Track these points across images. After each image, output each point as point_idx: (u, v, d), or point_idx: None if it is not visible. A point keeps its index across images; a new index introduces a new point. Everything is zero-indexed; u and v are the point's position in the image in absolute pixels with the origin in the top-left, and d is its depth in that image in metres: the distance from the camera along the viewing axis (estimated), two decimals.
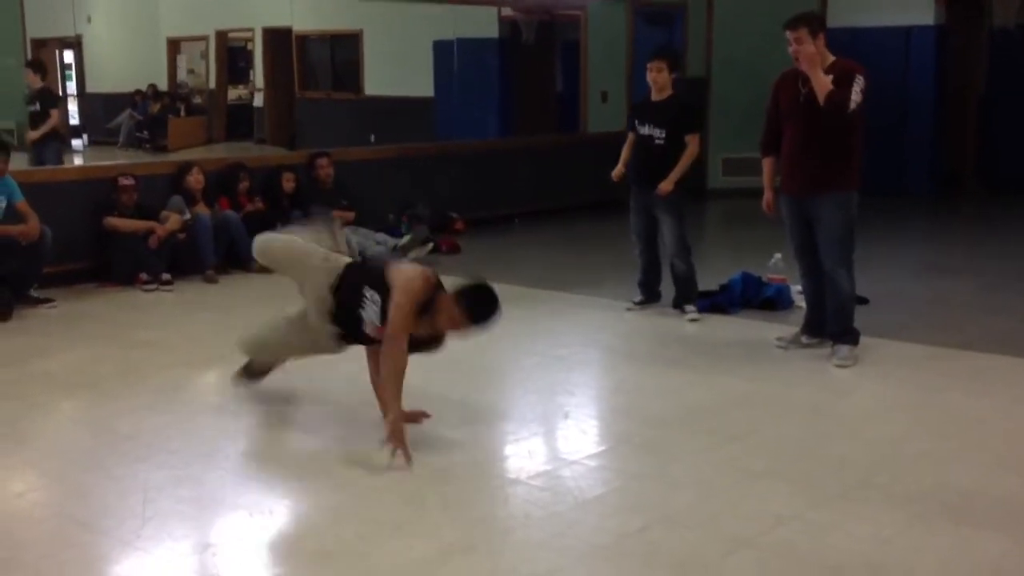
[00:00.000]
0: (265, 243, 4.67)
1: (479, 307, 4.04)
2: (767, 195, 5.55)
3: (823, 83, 5.02)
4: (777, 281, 6.55)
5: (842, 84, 5.00)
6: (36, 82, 10.08)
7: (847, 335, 5.31)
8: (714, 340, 5.84)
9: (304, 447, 4.21)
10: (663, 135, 6.17)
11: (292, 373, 5.03)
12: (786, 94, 5.35)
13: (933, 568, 3.12)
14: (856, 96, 5.00)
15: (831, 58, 5.17)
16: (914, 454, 4.08)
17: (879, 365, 5.27)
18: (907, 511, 3.50)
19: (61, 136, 10.75)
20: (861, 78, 5.03)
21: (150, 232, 7.22)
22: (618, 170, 6.38)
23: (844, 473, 3.87)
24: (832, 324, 5.36)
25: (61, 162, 10.24)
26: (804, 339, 5.57)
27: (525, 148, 11.14)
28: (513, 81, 13.35)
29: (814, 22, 5.16)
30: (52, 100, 10.22)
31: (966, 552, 3.21)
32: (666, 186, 6.12)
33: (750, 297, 6.44)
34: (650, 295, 6.51)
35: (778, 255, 6.58)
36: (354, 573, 3.12)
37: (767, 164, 5.58)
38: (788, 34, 5.12)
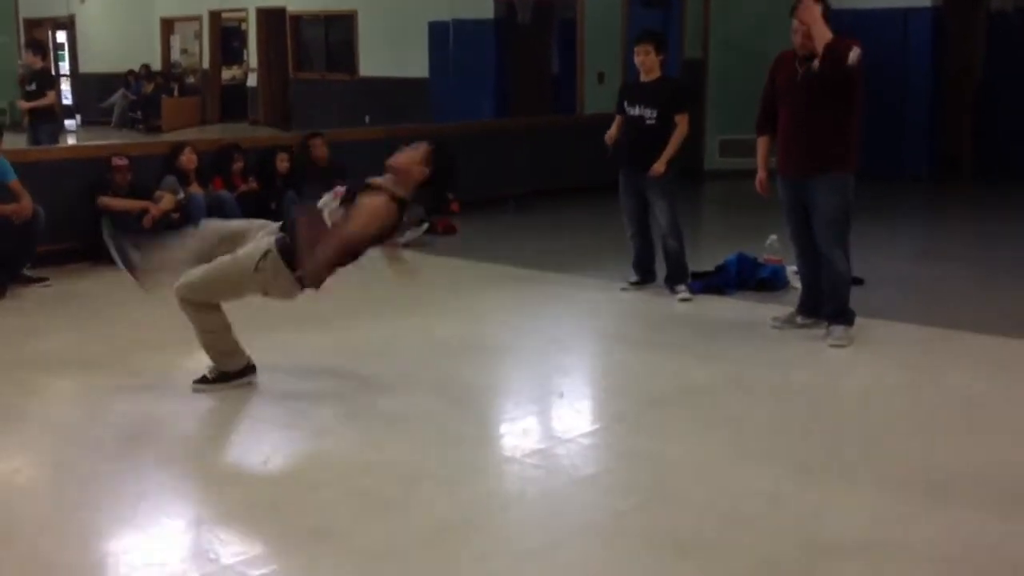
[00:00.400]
0: (186, 287, 4.42)
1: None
2: (760, 174, 5.54)
3: (823, 33, 5.02)
4: (773, 262, 6.55)
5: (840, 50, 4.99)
6: (36, 63, 10.04)
7: (842, 316, 5.31)
8: (708, 321, 5.84)
9: (299, 424, 4.20)
10: (654, 115, 6.15)
11: (291, 349, 5.04)
12: (783, 74, 5.35)
13: (925, 547, 3.13)
14: (853, 57, 4.96)
15: (830, 35, 5.14)
16: (908, 433, 4.09)
17: (874, 345, 5.27)
18: (900, 491, 3.50)
19: (57, 116, 10.71)
20: (857, 48, 5.01)
21: (144, 211, 7.19)
22: (610, 133, 6.34)
23: (838, 453, 3.87)
24: (828, 305, 5.36)
25: (57, 143, 10.20)
26: (799, 319, 5.57)
27: (521, 129, 11.11)
28: (509, 62, 13.31)
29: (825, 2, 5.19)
30: (49, 81, 10.19)
31: (958, 532, 3.22)
32: (659, 167, 6.10)
33: (745, 278, 6.43)
34: (645, 276, 6.51)
35: (774, 236, 6.58)
36: (349, 549, 3.12)
37: (761, 144, 5.58)
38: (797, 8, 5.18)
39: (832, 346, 5.22)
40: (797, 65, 5.23)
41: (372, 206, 4.33)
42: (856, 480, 3.61)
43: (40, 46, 10.62)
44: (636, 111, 6.22)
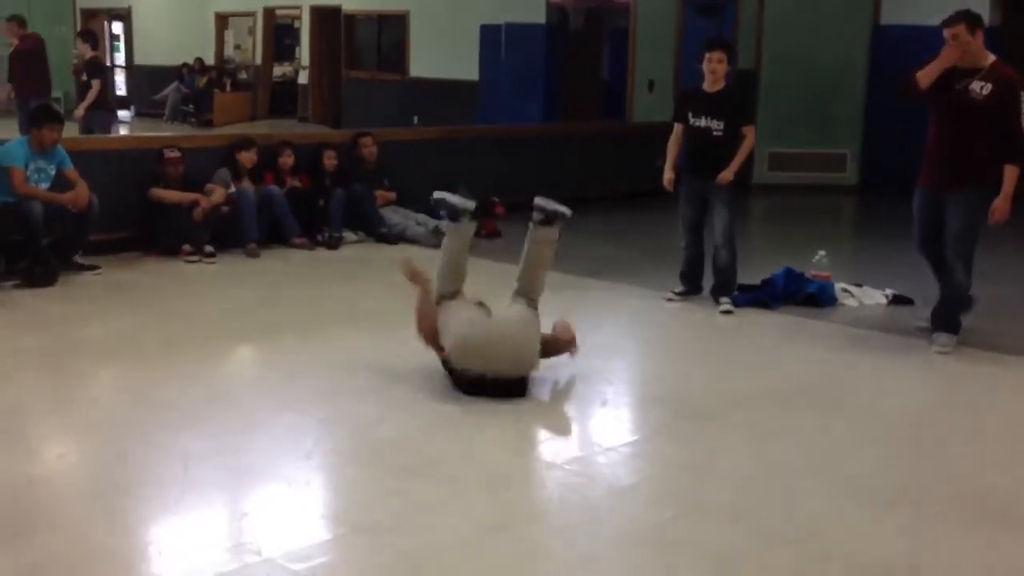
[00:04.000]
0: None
1: None
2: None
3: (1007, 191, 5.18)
4: (821, 278, 6.47)
5: (1005, 100, 5.12)
6: (86, 52, 10.16)
7: (951, 324, 5.44)
8: (755, 334, 5.79)
9: (343, 423, 4.22)
10: (721, 127, 6.12)
11: (345, 347, 5.07)
12: (941, 88, 5.31)
13: (972, 573, 3.07)
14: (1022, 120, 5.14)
15: (991, 57, 5.26)
16: (959, 457, 4.02)
17: (934, 367, 5.20)
18: (949, 514, 3.45)
19: (108, 104, 10.81)
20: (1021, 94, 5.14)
21: (195, 204, 7.27)
22: (668, 176, 6.27)
23: (886, 474, 3.82)
24: (938, 312, 5.50)
25: (109, 131, 10.32)
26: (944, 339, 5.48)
27: (570, 135, 11.09)
28: (559, 67, 13.29)
29: (972, 18, 5.26)
30: (99, 69, 10.29)
31: (1006, 558, 3.16)
32: (727, 175, 6.08)
33: (792, 293, 6.37)
34: (692, 287, 6.46)
35: (822, 252, 6.50)
36: (390, 549, 3.13)
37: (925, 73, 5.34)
38: (945, 32, 5.25)
39: (938, 352, 5.34)
40: (955, 82, 5.26)
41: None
42: (903, 502, 3.56)
43: (91, 35, 10.72)
44: (703, 123, 6.16)
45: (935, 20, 5.44)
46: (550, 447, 4.16)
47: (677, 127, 6.34)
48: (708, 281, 6.39)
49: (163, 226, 7.32)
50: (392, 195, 8.60)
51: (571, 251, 8.16)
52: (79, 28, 18.32)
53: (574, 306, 6.30)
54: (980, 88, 5.21)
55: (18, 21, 10.81)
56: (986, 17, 11.19)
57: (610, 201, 10.29)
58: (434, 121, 12.78)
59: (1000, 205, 5.22)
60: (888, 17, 11.35)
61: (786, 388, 4.82)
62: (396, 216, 8.42)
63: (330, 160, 8.32)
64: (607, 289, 6.80)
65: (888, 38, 9.74)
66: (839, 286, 6.37)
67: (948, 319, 5.46)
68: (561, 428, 4.36)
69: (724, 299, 6.20)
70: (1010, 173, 5.20)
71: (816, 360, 5.30)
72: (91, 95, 9.91)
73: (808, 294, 6.34)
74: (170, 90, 19.39)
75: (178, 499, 3.43)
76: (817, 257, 6.55)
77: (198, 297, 6.35)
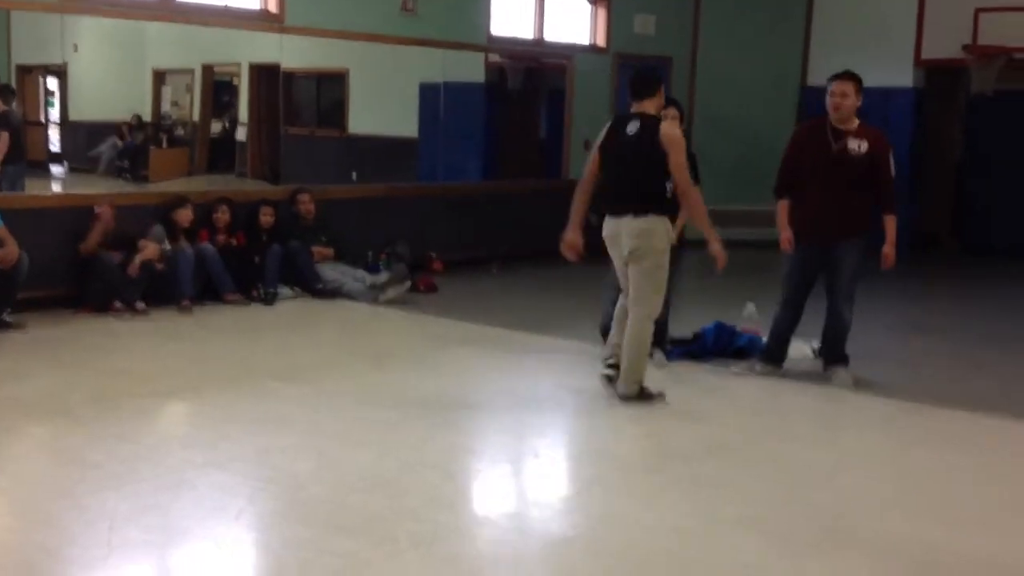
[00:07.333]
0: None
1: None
2: (785, 234, 5.88)
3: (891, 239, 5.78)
4: (750, 331, 6.60)
5: (879, 156, 5.67)
6: None
7: (844, 359, 5.93)
8: (687, 387, 5.86)
9: (275, 482, 4.18)
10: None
11: (278, 403, 5.03)
12: (814, 146, 5.72)
13: None
14: (892, 173, 5.74)
15: (857, 121, 5.73)
16: (882, 506, 4.10)
17: (852, 417, 5.31)
18: (874, 563, 3.51)
19: (19, 160, 10.43)
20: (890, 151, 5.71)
21: (127, 261, 7.19)
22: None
23: (813, 523, 3.88)
24: (830, 350, 5.95)
25: (15, 188, 10.04)
26: (759, 367, 6.02)
27: (506, 192, 11.22)
28: (498, 126, 13.45)
29: (859, 80, 5.71)
30: (5, 122, 10.04)
31: None
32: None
33: (723, 347, 6.48)
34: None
35: (751, 304, 6.64)
36: None
37: (783, 208, 5.92)
38: (834, 85, 5.66)
39: (838, 386, 5.78)
40: (831, 137, 5.62)
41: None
42: (829, 551, 3.61)
43: (5, 89, 10.49)
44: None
45: (867, 83, 5.80)
46: (483, 502, 4.16)
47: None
48: None
49: (94, 281, 7.23)
50: (329, 251, 8.61)
51: (507, 306, 8.25)
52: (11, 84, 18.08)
53: (507, 359, 6.33)
54: (858, 146, 5.67)
55: None
56: (910, 79, 11.76)
57: (547, 257, 10.37)
58: (374, 178, 12.83)
59: (888, 252, 5.74)
60: (815, 78, 11.74)
61: (720, 440, 4.88)
62: (333, 272, 8.42)
63: (267, 216, 8.32)
64: (543, 344, 6.85)
65: (815, 100, 10.00)
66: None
67: (841, 353, 5.92)
68: (494, 482, 4.35)
69: (657, 353, 6.27)
70: (891, 223, 5.76)
71: (749, 413, 5.38)
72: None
73: (738, 347, 6.45)
74: (106, 146, 19.20)
75: (105, 561, 3.36)
76: (747, 312, 6.68)
77: (129, 354, 6.26)
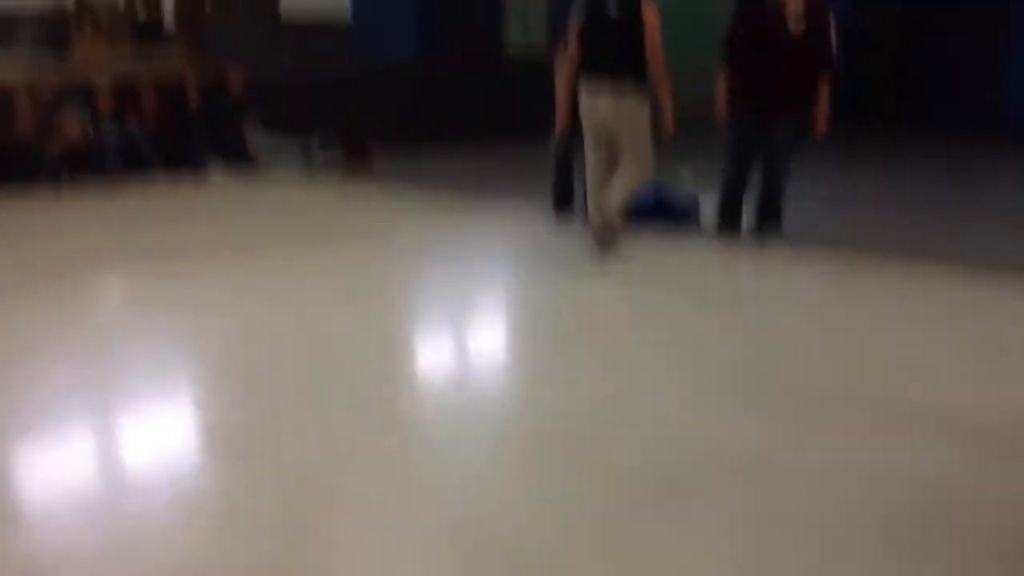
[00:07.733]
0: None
1: None
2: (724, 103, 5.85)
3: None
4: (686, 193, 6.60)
5: (819, 23, 5.61)
6: None
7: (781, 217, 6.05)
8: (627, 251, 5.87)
9: (210, 348, 4.16)
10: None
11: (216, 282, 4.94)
12: (754, 19, 5.68)
13: (817, 466, 3.12)
14: (835, 45, 5.66)
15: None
16: (807, 355, 4.18)
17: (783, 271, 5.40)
18: (796, 411, 3.53)
19: None
20: (832, 23, 5.64)
21: (48, 138, 6.97)
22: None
23: (738, 373, 3.90)
24: (771, 215, 6.00)
25: None
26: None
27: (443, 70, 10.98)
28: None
29: None
30: None
31: (844, 453, 3.23)
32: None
33: (664, 211, 6.46)
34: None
35: (688, 167, 6.64)
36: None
37: (724, 76, 5.84)
38: None
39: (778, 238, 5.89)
40: (767, 11, 5.64)
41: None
42: (753, 402, 3.63)
43: None
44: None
45: None
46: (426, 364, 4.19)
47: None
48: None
49: (14, 160, 7.02)
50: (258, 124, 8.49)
51: (443, 179, 8.08)
52: None
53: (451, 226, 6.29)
54: (799, 16, 5.62)
55: None
56: None
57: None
58: (307, 59, 12.48)
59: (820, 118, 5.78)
60: None
61: (655, 299, 4.93)
62: (264, 146, 8.32)
63: (194, 93, 8.11)
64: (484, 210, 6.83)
65: None
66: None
67: (780, 213, 6.00)
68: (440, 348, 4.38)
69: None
70: (824, 87, 5.72)
71: (677, 271, 5.43)
72: None
73: (677, 209, 6.45)
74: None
75: (37, 426, 3.33)
76: (683, 172, 6.67)
77: (53, 235, 6.12)
